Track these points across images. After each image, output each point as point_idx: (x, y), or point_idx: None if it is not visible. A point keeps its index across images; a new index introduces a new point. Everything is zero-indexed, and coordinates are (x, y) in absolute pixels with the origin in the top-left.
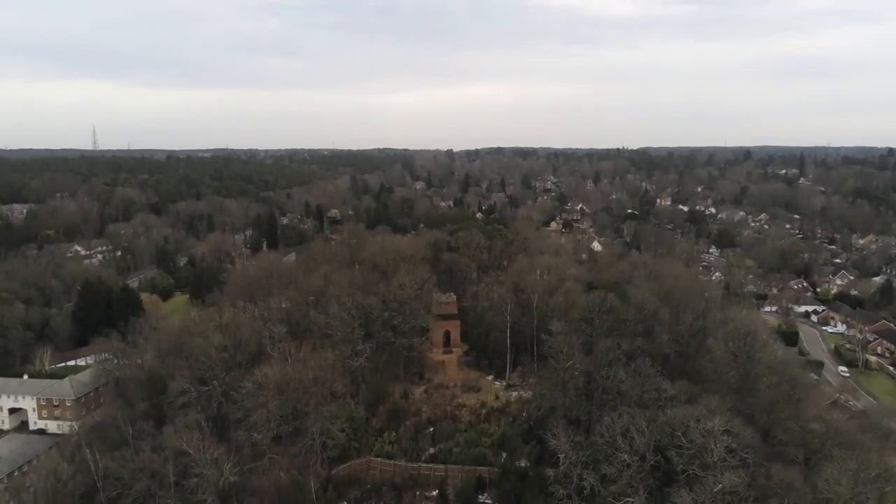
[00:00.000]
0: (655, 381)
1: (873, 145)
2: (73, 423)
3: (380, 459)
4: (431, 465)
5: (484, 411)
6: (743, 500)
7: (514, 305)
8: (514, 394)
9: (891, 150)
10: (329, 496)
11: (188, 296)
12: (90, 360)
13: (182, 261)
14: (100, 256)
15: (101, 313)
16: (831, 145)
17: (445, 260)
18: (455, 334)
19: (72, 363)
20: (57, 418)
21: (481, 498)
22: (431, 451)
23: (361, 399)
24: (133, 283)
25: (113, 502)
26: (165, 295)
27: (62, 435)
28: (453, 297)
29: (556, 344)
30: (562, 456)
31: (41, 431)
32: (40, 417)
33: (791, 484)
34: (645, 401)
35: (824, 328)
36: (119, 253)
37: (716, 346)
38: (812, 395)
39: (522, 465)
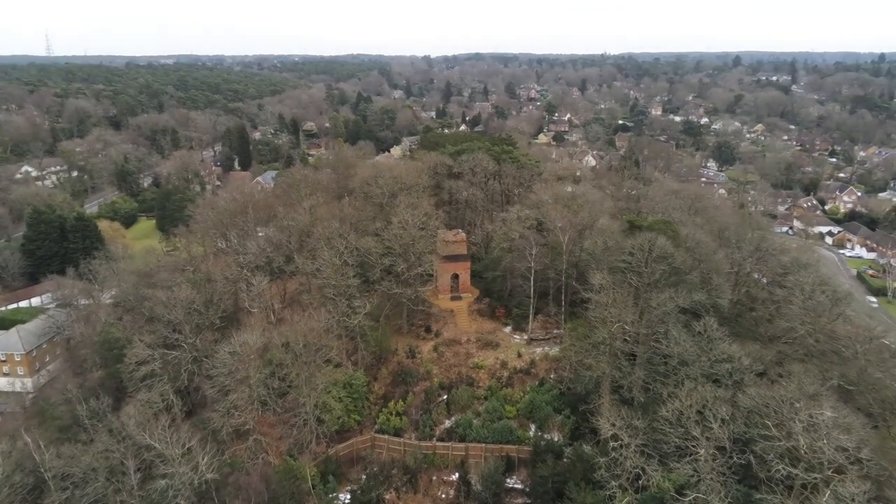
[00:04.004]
0: (723, 347)
1: (859, 50)
2: (26, 379)
3: (386, 437)
4: (449, 443)
5: (505, 373)
6: None
7: (538, 247)
8: (539, 350)
9: (882, 56)
10: (330, 487)
11: (153, 221)
12: (46, 298)
13: (146, 181)
14: (53, 178)
15: (55, 245)
16: (816, 51)
17: (448, 189)
18: (465, 277)
19: (24, 303)
20: (6, 374)
21: (509, 482)
22: (447, 423)
23: (360, 360)
24: (91, 207)
25: None
26: (128, 221)
27: (12, 394)
28: (462, 234)
29: (598, 298)
30: (615, 444)
31: None
32: None
33: None
34: (716, 373)
35: (841, 251)
36: (75, 173)
37: (790, 297)
38: None
39: (555, 439)
